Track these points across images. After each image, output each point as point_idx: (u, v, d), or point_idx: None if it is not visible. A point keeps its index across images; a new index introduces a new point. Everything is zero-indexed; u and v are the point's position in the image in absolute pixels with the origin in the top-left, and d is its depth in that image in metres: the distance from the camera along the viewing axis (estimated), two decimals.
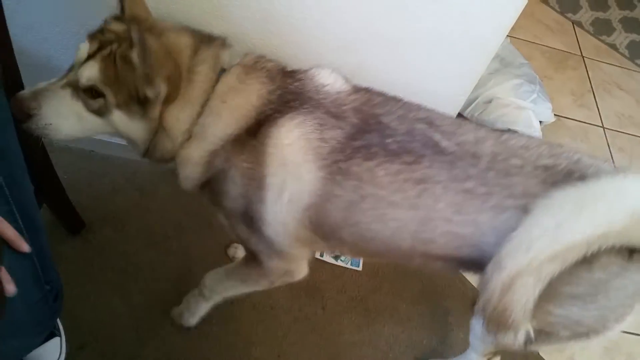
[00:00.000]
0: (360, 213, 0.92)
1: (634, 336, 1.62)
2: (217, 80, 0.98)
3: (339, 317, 1.50)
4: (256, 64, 1.02)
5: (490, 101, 1.87)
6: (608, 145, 2.34)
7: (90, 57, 0.90)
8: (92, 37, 0.93)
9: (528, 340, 0.90)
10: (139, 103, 0.91)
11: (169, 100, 0.93)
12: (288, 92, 0.98)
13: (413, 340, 1.48)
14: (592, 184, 0.80)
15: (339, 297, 1.54)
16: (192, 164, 1.01)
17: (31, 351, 1.15)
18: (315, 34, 1.27)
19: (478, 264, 0.89)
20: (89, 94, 0.90)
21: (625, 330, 1.00)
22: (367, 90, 1.02)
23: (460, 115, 1.56)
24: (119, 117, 0.93)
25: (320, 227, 0.97)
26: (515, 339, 0.88)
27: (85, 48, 0.91)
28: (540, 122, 1.86)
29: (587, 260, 0.79)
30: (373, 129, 0.93)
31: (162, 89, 0.90)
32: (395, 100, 1.00)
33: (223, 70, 0.99)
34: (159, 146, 0.98)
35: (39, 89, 0.91)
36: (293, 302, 1.49)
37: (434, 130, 0.92)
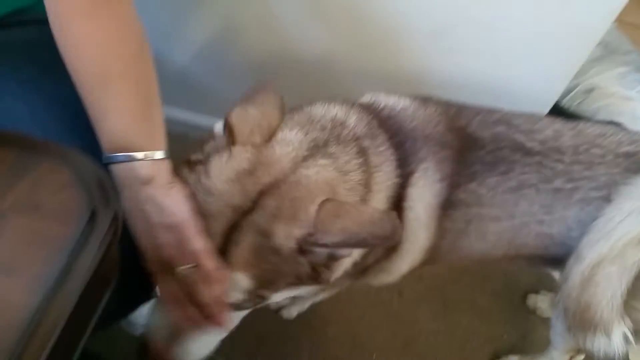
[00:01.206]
0: (465, 237, 0.90)
1: None
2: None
3: (416, 305, 1.49)
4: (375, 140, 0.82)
5: (591, 90, 1.75)
6: None
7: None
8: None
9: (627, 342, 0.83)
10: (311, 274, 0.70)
11: None
12: (396, 139, 0.84)
13: (492, 334, 1.44)
14: None
15: (417, 285, 1.53)
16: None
17: None
18: (408, 17, 1.26)
19: (563, 261, 0.85)
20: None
21: None
22: (431, 100, 0.92)
23: (557, 105, 1.47)
24: (280, 295, 0.74)
25: (425, 260, 0.94)
26: (610, 343, 0.82)
27: None
28: None
29: None
30: (467, 145, 0.86)
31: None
32: (464, 106, 0.93)
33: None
34: None
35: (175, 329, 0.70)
36: (369, 287, 1.51)
37: (514, 131, 0.87)
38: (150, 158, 0.63)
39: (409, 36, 1.29)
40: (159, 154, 0.64)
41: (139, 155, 0.63)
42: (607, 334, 0.81)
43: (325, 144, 0.75)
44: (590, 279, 0.77)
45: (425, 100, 0.92)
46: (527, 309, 1.50)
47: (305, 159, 0.70)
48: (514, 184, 0.85)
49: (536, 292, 1.50)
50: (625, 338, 0.81)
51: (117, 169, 0.64)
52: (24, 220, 0.37)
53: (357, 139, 0.79)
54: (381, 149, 0.82)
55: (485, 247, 0.91)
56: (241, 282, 0.65)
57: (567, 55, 1.29)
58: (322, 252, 0.66)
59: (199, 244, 0.63)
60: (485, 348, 1.42)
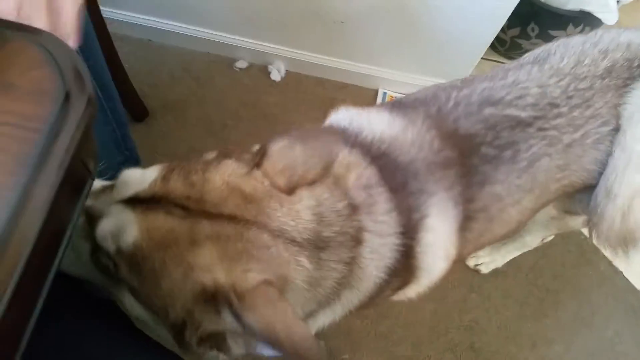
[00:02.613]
0: (488, 233, 0.86)
1: None
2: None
3: None
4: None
5: None
6: None
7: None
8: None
9: None
10: None
11: None
12: (394, 184, 0.74)
13: None
14: None
15: None
16: None
17: None
18: None
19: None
20: None
21: None
22: (407, 107, 0.84)
23: None
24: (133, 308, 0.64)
25: None
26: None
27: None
28: (618, 1, 1.70)
29: None
30: (466, 149, 0.79)
31: None
32: (437, 96, 0.85)
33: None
34: None
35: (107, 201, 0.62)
36: None
37: (503, 107, 0.81)
38: None
39: None
40: None
41: None
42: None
43: (324, 246, 0.63)
44: (628, 212, 0.79)
45: (403, 110, 0.83)
46: None
47: (291, 243, 0.59)
48: (525, 164, 0.80)
49: None
50: None
51: None
52: None
53: (358, 229, 0.67)
54: (381, 215, 0.71)
55: (510, 227, 0.89)
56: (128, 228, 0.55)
57: None
58: (230, 323, 0.54)
59: None
60: None
